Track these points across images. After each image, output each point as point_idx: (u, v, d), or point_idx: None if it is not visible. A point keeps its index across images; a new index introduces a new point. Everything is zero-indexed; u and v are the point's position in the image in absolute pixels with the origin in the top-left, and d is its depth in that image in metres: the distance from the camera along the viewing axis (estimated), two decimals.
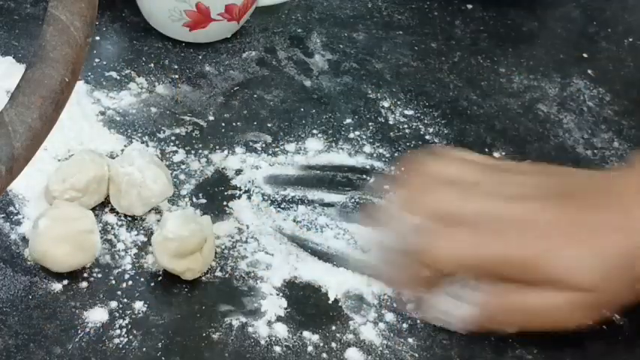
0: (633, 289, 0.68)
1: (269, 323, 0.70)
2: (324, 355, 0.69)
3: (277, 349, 0.69)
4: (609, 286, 0.67)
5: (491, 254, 0.68)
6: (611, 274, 0.67)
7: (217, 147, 0.80)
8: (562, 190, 0.70)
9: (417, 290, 0.71)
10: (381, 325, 0.71)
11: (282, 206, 0.77)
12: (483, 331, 0.70)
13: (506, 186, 0.70)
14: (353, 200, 0.78)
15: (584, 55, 0.93)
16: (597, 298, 0.68)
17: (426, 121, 0.84)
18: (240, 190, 0.77)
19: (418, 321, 0.71)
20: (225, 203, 0.77)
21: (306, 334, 0.70)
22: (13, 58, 0.83)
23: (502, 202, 0.69)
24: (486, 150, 0.82)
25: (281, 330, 0.70)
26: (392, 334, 0.71)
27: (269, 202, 0.77)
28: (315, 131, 0.82)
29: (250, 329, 0.70)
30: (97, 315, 0.69)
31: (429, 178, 0.72)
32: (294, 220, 0.76)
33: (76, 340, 0.67)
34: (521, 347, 0.71)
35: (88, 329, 0.68)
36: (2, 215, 0.74)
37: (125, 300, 0.70)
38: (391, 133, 0.83)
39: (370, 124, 0.83)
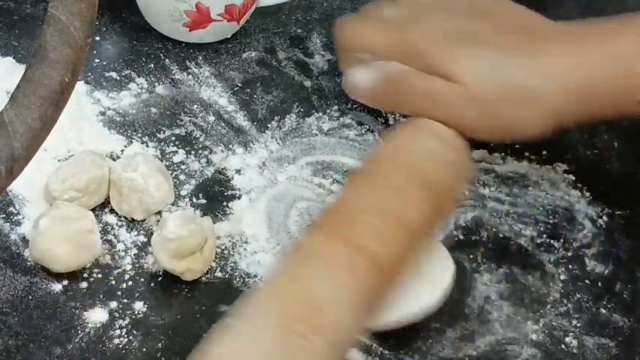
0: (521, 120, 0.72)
1: None
2: None
3: None
4: (496, 98, 0.71)
5: (390, 37, 0.74)
6: (502, 87, 0.71)
7: (217, 147, 0.80)
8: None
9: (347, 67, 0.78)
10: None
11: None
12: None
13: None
14: None
15: None
16: (485, 105, 0.71)
17: None
18: (240, 190, 0.78)
19: (418, 321, 0.71)
20: (225, 204, 0.77)
21: None
22: (13, 58, 0.83)
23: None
24: (486, 150, 0.82)
25: None
26: (392, 334, 0.70)
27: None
28: (315, 131, 0.82)
29: None
30: (97, 315, 0.69)
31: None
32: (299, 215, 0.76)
33: (76, 340, 0.68)
34: (520, 348, 0.71)
35: (88, 329, 0.68)
36: (2, 215, 0.74)
37: (125, 300, 0.70)
38: None
39: (370, 124, 0.83)
